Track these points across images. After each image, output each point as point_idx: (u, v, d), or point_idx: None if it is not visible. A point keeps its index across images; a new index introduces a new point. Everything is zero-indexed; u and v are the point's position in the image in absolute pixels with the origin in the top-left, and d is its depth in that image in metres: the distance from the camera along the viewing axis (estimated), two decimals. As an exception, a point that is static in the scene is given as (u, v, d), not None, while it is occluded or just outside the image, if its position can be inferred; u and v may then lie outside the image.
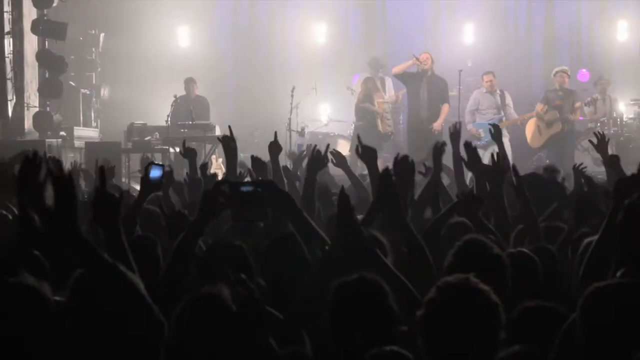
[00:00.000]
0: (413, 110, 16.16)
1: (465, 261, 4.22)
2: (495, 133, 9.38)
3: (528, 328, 3.75)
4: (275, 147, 8.06)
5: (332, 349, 3.65)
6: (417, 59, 15.85)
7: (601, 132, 8.56)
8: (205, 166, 8.68)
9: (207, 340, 3.51)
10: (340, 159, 8.81)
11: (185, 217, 5.24)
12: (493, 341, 3.29)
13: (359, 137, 8.12)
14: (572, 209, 6.24)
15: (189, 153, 8.88)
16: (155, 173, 5.73)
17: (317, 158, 6.52)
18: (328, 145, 7.55)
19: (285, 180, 7.69)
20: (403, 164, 5.68)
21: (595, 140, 8.59)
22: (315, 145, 7.04)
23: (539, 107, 16.71)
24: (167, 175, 7.42)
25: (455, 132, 8.43)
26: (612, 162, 8.02)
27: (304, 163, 9.81)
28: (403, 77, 16.26)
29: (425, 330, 3.32)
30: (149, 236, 5.29)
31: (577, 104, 16.50)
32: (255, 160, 8.10)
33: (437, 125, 15.86)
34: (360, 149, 6.42)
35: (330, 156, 7.37)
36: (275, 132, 8.26)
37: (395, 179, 5.16)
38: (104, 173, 3.78)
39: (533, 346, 3.51)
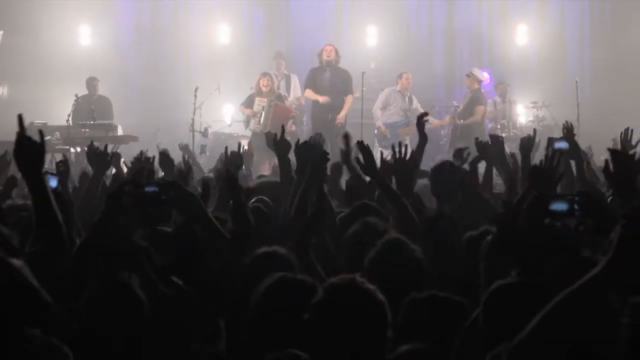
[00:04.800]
0: (317, 102, 16.26)
1: (386, 261, 4.30)
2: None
3: (419, 320, 3.78)
4: (166, 161, 8.22)
5: (249, 346, 3.65)
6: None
7: (482, 141, 8.41)
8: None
9: (119, 327, 3.50)
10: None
11: None
12: (381, 339, 3.32)
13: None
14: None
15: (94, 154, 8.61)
16: (50, 183, 5.58)
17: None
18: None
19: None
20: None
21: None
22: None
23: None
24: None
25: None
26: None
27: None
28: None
29: (313, 332, 3.33)
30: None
31: (479, 108, 16.96)
32: (163, 155, 8.17)
33: (340, 117, 16.00)
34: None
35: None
36: (163, 150, 8.47)
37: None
38: (22, 121, 3.85)
39: (426, 344, 3.56)
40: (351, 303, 3.32)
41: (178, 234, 4.78)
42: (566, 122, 8.25)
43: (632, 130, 8.22)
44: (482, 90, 17.41)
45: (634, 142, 8.18)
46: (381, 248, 4.48)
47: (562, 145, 7.34)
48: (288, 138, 7.40)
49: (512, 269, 3.72)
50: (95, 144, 8.44)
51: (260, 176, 9.58)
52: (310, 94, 16.39)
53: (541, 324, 2.87)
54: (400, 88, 17.13)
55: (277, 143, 7.28)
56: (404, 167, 6.24)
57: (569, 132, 8.05)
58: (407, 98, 17.11)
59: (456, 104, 17.63)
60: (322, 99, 16.09)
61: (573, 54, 21.29)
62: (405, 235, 4.75)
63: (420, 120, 8.00)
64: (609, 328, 2.82)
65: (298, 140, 6.70)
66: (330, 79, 16.16)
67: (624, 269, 2.73)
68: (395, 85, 17.28)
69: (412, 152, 6.46)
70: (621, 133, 8.18)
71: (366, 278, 3.46)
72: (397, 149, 6.29)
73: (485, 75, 17.65)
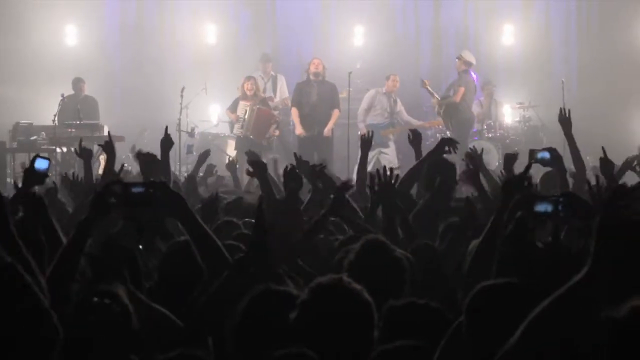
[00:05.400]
0: (303, 115, 16.27)
1: (367, 261, 4.31)
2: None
3: (399, 326, 3.78)
4: (166, 142, 8.14)
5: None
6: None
7: (473, 149, 8.43)
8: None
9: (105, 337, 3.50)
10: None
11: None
12: (367, 340, 3.33)
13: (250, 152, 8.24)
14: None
15: (84, 153, 8.73)
16: (40, 165, 5.62)
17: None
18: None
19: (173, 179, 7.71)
20: (292, 173, 5.93)
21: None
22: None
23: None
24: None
25: (367, 141, 8.63)
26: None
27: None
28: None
29: (299, 331, 3.33)
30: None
31: (460, 89, 17.08)
32: (144, 155, 8.05)
33: (326, 131, 16.04)
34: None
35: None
36: (166, 127, 8.32)
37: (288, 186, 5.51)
38: None
39: (416, 341, 3.57)
40: (337, 303, 3.32)
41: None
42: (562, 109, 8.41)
43: None
44: (468, 73, 17.42)
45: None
46: (360, 249, 4.48)
47: (545, 155, 7.42)
48: (274, 139, 7.48)
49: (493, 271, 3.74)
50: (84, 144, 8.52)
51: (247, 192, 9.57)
52: (295, 116, 16.45)
53: (528, 331, 2.89)
54: (386, 90, 17.17)
55: (254, 168, 7.36)
56: (388, 192, 6.22)
57: (563, 119, 8.21)
58: (392, 100, 17.15)
59: (423, 80, 17.74)
60: (298, 131, 16.24)
61: (559, 54, 21.34)
62: None
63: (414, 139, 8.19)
64: (595, 332, 2.83)
65: (287, 167, 6.66)
66: (317, 93, 16.19)
67: (606, 272, 2.75)
68: (381, 86, 17.32)
69: (397, 176, 6.43)
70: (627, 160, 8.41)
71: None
72: (381, 173, 6.27)
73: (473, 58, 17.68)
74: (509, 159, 7.96)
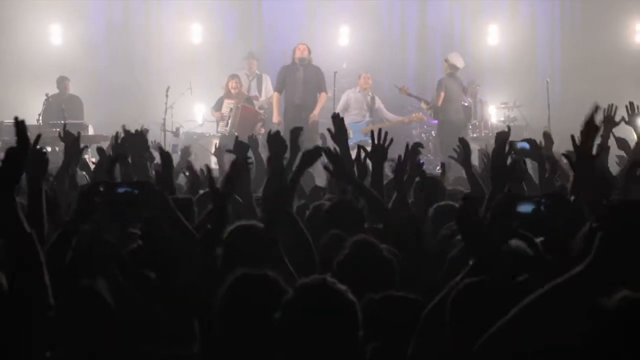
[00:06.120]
0: (289, 100, 16.33)
1: (356, 262, 4.34)
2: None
3: (377, 321, 3.78)
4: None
5: (222, 343, 3.66)
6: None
7: (460, 147, 8.41)
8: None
9: (86, 333, 3.51)
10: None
11: None
12: (352, 340, 3.34)
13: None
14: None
15: (67, 137, 8.74)
16: None
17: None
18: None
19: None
20: (275, 138, 6.02)
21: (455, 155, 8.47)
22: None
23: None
24: None
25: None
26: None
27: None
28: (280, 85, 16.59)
29: (284, 332, 3.35)
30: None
31: (440, 94, 17.11)
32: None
33: (314, 115, 16.05)
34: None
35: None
36: (148, 130, 8.39)
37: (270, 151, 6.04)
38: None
39: (388, 340, 3.58)
40: (321, 303, 3.33)
41: (147, 234, 4.80)
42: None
43: (616, 107, 8.48)
44: (453, 76, 17.39)
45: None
46: (350, 250, 4.51)
47: (524, 145, 7.47)
48: (259, 137, 7.56)
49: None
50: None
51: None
52: (275, 101, 16.48)
53: (518, 317, 2.91)
54: (360, 89, 17.19)
55: (235, 147, 7.48)
56: (380, 152, 6.38)
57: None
58: (369, 98, 17.15)
59: (400, 87, 17.77)
60: (276, 119, 16.32)
61: (544, 54, 21.40)
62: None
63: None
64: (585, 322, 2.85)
65: (270, 131, 6.78)
66: (303, 77, 16.22)
67: (609, 265, 2.78)
68: (356, 87, 17.37)
69: (392, 140, 6.56)
70: (604, 109, 8.41)
71: (337, 280, 3.48)
72: (375, 135, 6.47)
73: (460, 62, 17.68)
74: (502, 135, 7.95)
